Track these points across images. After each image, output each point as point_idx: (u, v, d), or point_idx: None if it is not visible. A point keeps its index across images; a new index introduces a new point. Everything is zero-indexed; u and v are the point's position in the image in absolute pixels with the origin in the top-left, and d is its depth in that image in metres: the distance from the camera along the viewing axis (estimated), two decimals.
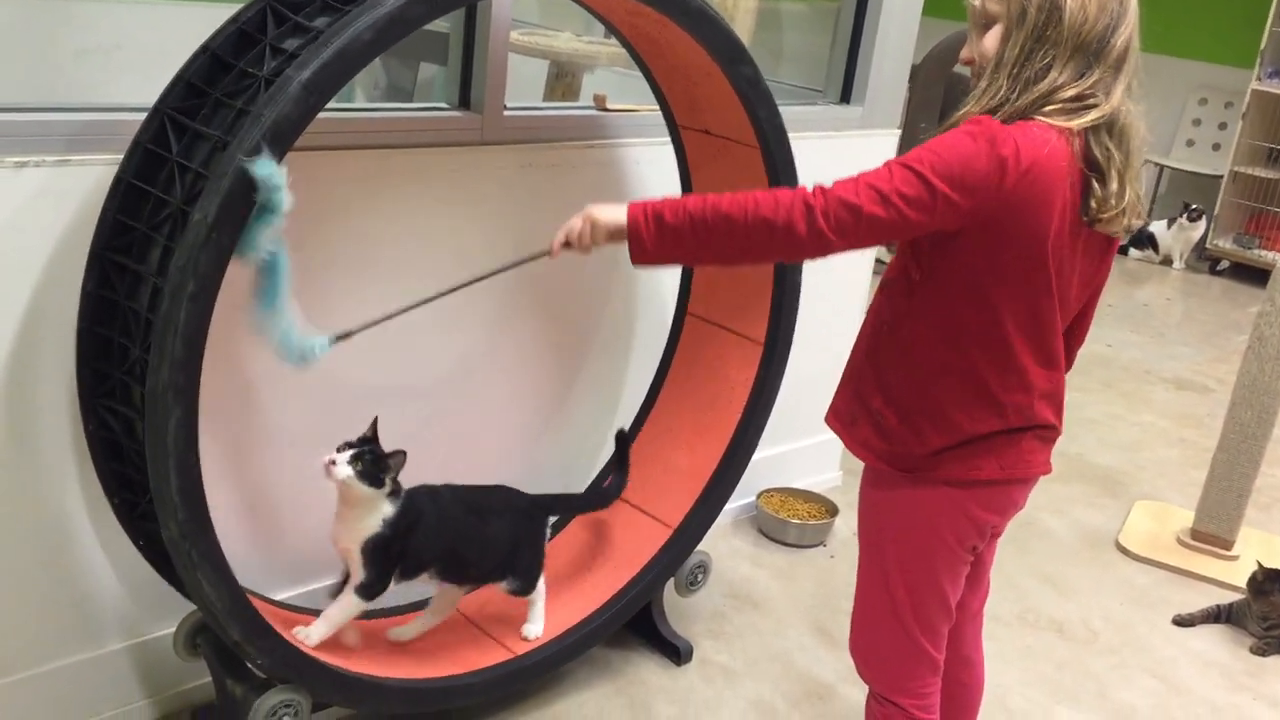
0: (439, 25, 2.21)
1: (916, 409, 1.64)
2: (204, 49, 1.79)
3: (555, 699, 2.39)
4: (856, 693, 1.86)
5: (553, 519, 2.40)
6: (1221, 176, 6.54)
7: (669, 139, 2.47)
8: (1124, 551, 3.31)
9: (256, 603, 1.89)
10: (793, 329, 2.47)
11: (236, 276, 1.66)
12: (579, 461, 2.72)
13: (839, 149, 2.95)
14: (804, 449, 3.27)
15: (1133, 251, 6.67)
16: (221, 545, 1.76)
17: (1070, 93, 1.50)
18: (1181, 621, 2.98)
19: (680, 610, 2.67)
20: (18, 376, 1.87)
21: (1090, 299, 1.71)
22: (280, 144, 1.61)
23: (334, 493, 1.98)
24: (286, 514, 2.24)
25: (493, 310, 2.44)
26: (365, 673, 2.03)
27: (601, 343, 2.69)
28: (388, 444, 1.98)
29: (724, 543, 3.06)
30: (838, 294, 3.12)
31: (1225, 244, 6.60)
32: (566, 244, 1.68)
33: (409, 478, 2.04)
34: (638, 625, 2.53)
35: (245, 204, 1.60)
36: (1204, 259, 6.69)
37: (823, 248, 1.52)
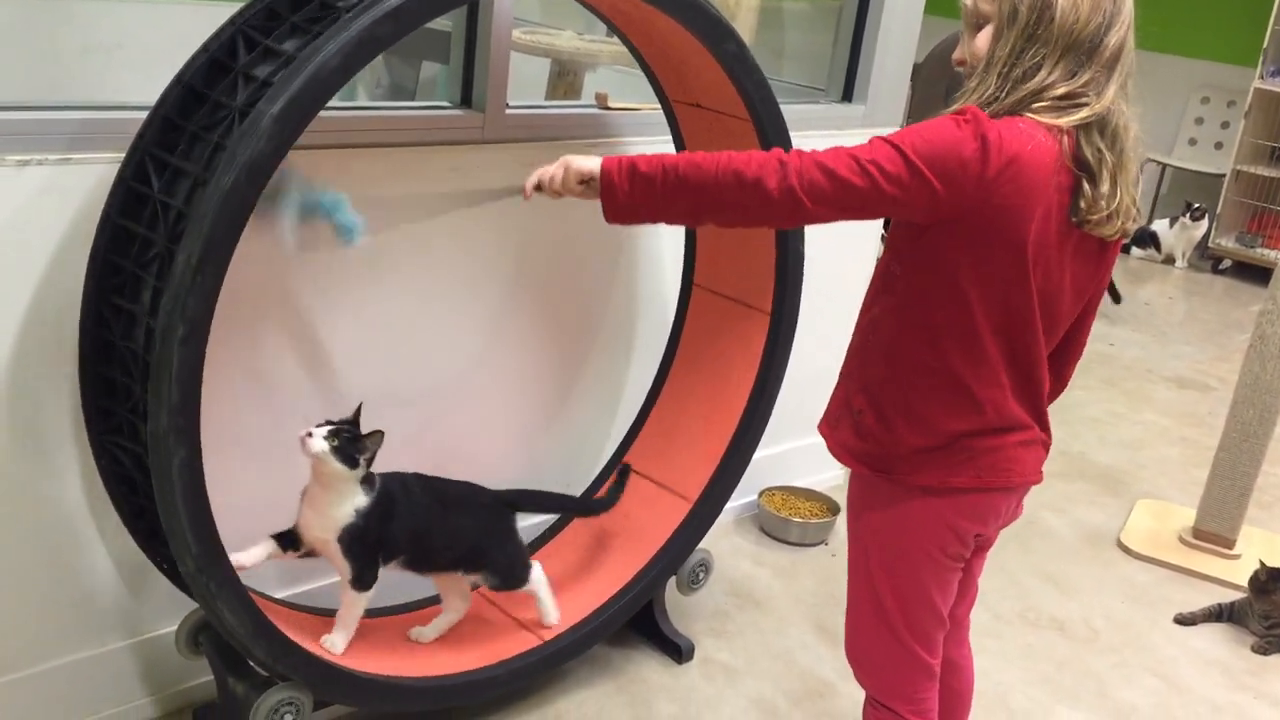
0: (441, 24, 2.21)
1: (894, 407, 1.63)
2: (178, 80, 1.77)
3: (556, 697, 2.39)
4: (858, 691, 1.85)
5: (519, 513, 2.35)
6: (1224, 175, 6.52)
7: (670, 138, 2.47)
8: (1125, 550, 3.31)
9: (267, 607, 1.90)
10: (799, 298, 2.45)
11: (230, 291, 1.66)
12: (580, 461, 2.72)
13: None
14: (805, 448, 3.26)
15: (1135, 250, 6.67)
16: (222, 545, 1.76)
17: (1060, 91, 1.49)
18: (1183, 620, 2.98)
19: (682, 609, 2.67)
20: (19, 373, 1.87)
21: (1087, 307, 1.68)
22: (257, 178, 1.61)
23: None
24: (286, 514, 2.24)
25: (493, 310, 2.44)
26: (396, 675, 2.06)
27: (602, 343, 2.69)
28: (388, 444, 1.98)
29: (726, 541, 3.07)
30: (836, 301, 3.11)
31: (1228, 243, 6.59)
32: (538, 187, 1.73)
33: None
34: (639, 623, 2.53)
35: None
36: (1206, 258, 6.68)
37: (794, 208, 1.51)
